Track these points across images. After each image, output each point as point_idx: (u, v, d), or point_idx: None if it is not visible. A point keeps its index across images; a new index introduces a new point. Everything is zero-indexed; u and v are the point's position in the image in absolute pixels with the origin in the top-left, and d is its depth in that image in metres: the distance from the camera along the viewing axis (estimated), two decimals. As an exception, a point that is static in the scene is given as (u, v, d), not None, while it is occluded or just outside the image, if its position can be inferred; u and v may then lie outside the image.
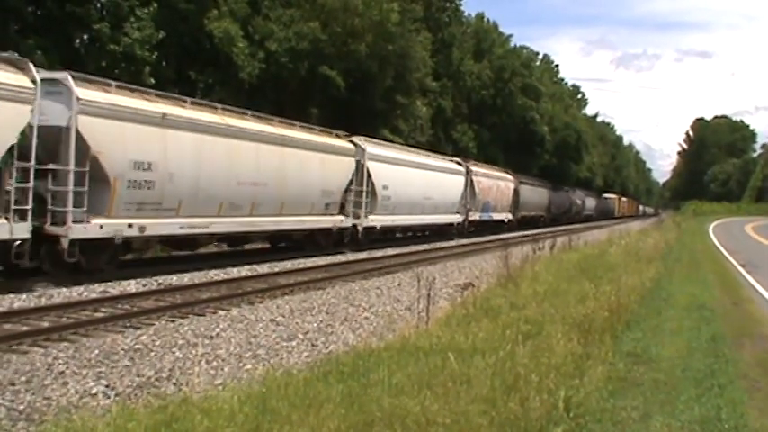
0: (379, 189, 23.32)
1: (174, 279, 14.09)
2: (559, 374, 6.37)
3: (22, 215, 11.58)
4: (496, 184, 39.18)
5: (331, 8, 29.65)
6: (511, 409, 5.36)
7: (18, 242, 11.56)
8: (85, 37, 19.86)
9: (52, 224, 12.34)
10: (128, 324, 9.86)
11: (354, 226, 22.04)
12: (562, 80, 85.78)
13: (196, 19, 24.10)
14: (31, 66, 11.94)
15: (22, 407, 6.40)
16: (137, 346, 8.78)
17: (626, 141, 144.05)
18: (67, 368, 7.61)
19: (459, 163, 33.98)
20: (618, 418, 5.79)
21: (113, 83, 13.91)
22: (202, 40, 24.32)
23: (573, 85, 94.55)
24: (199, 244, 17.15)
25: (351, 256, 20.06)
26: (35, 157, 11.75)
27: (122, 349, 8.55)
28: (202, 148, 15.36)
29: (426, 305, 9.88)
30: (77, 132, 12.44)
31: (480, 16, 57.80)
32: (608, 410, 5.91)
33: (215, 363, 8.32)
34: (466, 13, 53.49)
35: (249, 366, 8.27)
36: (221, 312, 11.15)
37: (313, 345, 9.71)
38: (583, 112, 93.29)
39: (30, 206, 11.70)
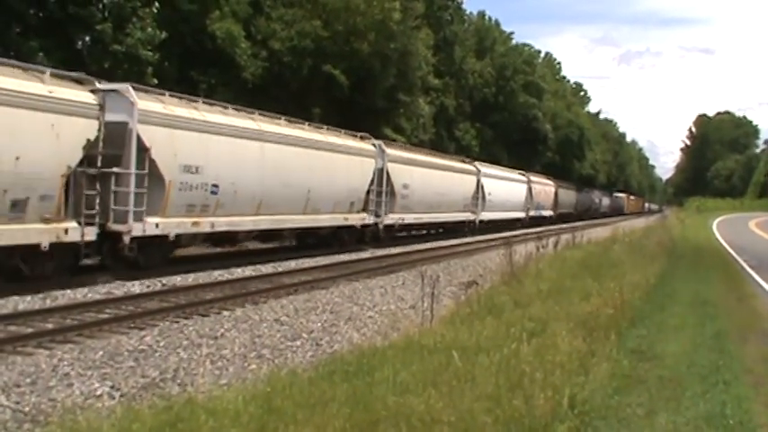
0: (487, 195, 36.03)
1: (178, 280, 14.08)
2: (564, 372, 6.36)
3: (371, 213, 23.08)
4: (544, 189, 50.65)
5: (333, 7, 29.69)
6: (515, 406, 5.35)
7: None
8: (87, 38, 19.86)
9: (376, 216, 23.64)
10: (132, 325, 9.87)
11: (474, 219, 34.57)
12: (564, 78, 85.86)
13: (198, 19, 24.12)
14: (374, 139, 24.36)
15: (27, 408, 6.42)
16: (141, 347, 8.78)
17: (629, 138, 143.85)
18: (72, 369, 7.62)
19: (523, 174, 45.53)
20: (623, 414, 5.79)
21: (393, 142, 27.39)
22: (205, 40, 24.33)
23: (575, 83, 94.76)
24: (413, 228, 29.05)
25: (354, 256, 20.17)
26: (373, 183, 23.32)
27: (127, 350, 8.55)
28: (423, 175, 27.54)
29: (430, 304, 9.89)
30: (387, 171, 24.15)
31: (482, 14, 57.92)
32: (613, 407, 5.91)
33: (219, 363, 8.33)
34: (467, 12, 53.61)
35: (254, 366, 8.29)
36: (225, 313, 11.16)
37: (317, 344, 9.72)
38: (585, 109, 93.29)
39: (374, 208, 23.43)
